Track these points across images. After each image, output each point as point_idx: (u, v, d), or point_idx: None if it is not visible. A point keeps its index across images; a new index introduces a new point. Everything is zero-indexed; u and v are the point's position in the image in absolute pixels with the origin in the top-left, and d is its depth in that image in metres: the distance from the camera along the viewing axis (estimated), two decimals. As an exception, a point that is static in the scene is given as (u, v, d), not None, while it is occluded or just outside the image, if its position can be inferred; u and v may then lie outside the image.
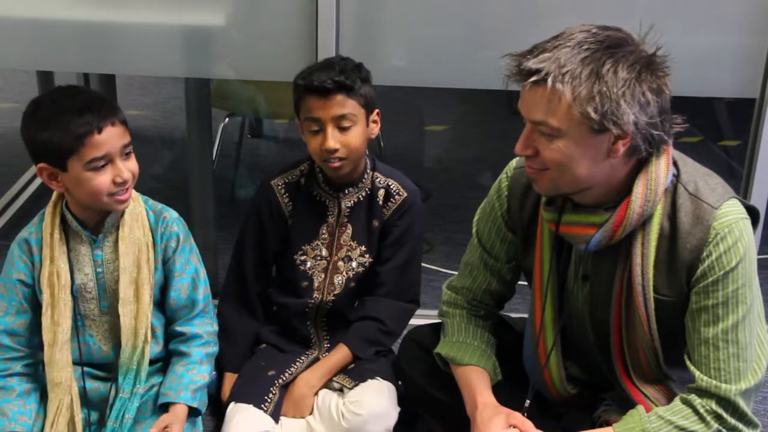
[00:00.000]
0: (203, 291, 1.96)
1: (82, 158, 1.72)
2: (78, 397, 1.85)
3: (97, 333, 1.91)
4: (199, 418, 2.00)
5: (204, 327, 1.96)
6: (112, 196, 1.77)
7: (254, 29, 2.36)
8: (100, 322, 1.90)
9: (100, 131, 1.71)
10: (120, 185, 1.76)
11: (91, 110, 1.72)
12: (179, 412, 1.87)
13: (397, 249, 2.14)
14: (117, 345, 1.89)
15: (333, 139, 1.96)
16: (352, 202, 2.12)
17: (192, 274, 1.94)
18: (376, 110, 2.04)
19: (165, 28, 2.39)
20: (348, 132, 1.97)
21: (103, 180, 1.74)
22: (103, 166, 1.74)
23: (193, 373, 1.91)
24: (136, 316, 1.86)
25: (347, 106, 1.96)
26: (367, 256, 2.14)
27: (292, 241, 2.14)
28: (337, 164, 2.00)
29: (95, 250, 1.86)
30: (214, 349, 1.99)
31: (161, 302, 1.95)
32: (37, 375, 1.91)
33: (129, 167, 1.78)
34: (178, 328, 1.95)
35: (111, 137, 1.73)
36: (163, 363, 1.98)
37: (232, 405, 2.00)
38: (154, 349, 1.92)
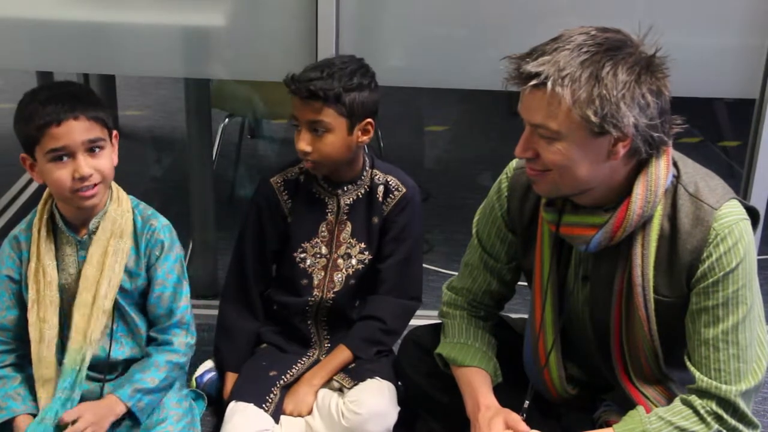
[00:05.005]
0: (183, 302, 1.93)
1: (42, 148, 1.74)
2: None
3: None
4: (198, 418, 2.00)
5: (178, 337, 1.93)
6: (76, 192, 1.76)
7: (254, 29, 2.36)
8: None
9: (59, 123, 1.72)
10: (80, 181, 1.75)
11: (56, 102, 1.73)
12: (111, 402, 1.83)
13: (397, 245, 2.15)
14: (105, 345, 1.88)
15: (303, 141, 1.98)
16: (351, 199, 2.11)
17: (174, 284, 1.92)
18: (368, 119, 2.01)
19: (165, 28, 2.38)
20: (322, 138, 1.97)
21: (62, 174, 1.74)
22: (62, 160, 1.74)
23: (144, 374, 1.87)
24: (90, 317, 1.83)
25: (323, 113, 1.95)
26: (366, 253, 2.14)
27: (292, 238, 2.14)
28: (309, 165, 2.02)
29: (80, 251, 1.86)
30: (181, 359, 1.93)
31: (144, 307, 1.93)
32: (25, 368, 1.90)
33: (93, 164, 1.76)
34: (153, 334, 1.94)
35: (71, 131, 1.73)
36: None
37: (232, 404, 2.00)
38: (133, 351, 1.91)
